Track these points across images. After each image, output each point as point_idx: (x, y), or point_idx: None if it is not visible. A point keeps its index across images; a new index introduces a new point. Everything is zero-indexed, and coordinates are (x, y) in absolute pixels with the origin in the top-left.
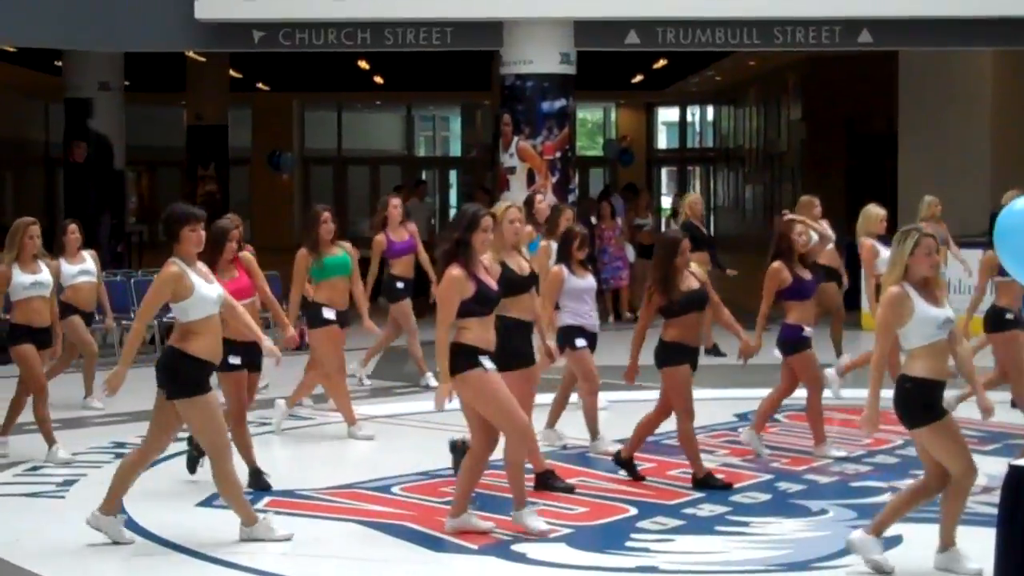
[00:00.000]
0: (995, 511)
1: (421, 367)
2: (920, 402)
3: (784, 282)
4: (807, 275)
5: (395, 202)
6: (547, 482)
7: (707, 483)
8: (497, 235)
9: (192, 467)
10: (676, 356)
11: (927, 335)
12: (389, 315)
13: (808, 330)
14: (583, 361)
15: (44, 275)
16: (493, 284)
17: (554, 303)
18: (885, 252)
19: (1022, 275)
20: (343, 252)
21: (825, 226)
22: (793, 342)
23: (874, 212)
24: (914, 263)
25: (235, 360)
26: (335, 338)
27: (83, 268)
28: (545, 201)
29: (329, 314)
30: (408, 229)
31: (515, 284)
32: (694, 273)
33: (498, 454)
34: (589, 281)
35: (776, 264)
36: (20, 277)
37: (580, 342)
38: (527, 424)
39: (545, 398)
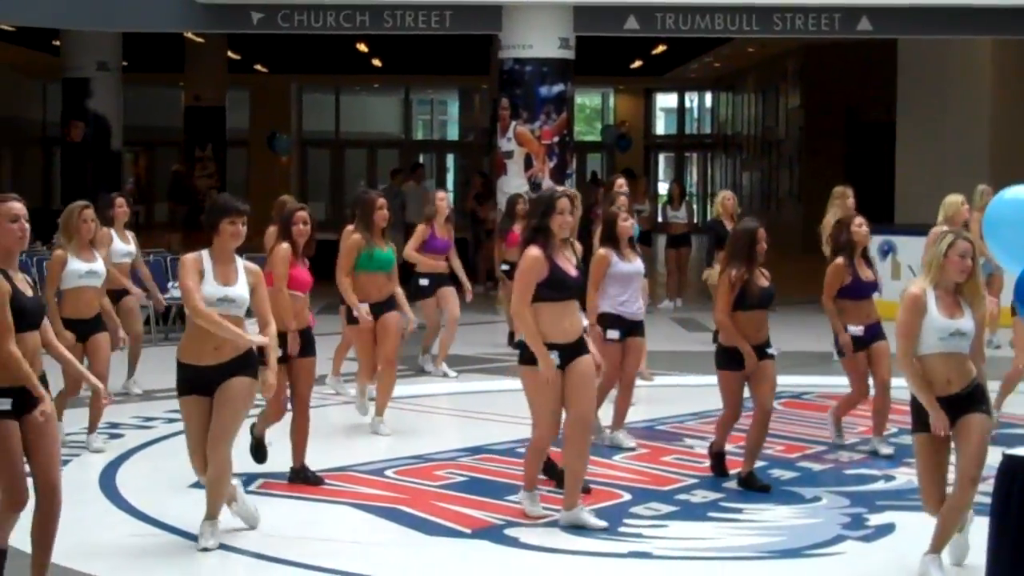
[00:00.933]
0: (989, 500)
1: (426, 348)
2: (914, 409)
3: (844, 281)
4: (867, 274)
5: (441, 195)
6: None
7: (718, 460)
8: None
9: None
10: (731, 362)
11: (930, 344)
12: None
13: (854, 329)
14: (608, 355)
15: (98, 264)
16: (572, 271)
17: (597, 288)
18: None
19: (1011, 265)
20: (389, 248)
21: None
22: (837, 343)
23: (952, 200)
24: (946, 265)
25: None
26: (365, 336)
27: (129, 250)
28: (626, 186)
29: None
30: (449, 228)
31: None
32: (762, 271)
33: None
34: (637, 265)
35: (838, 261)
36: (74, 264)
37: (612, 334)
38: (554, 434)
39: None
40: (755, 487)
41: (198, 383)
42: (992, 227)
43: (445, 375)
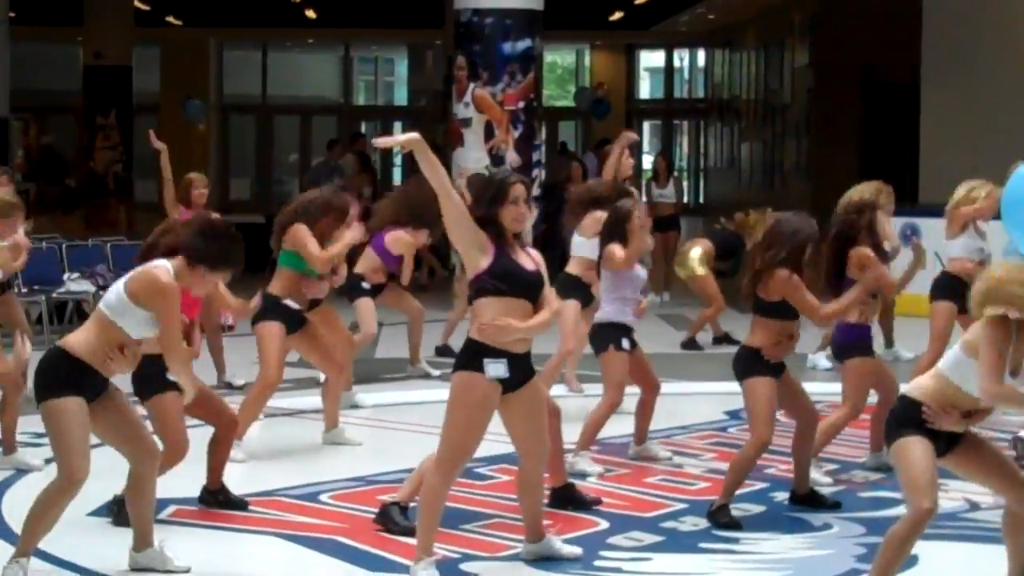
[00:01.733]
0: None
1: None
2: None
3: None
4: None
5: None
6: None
7: (715, 515)
8: None
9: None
10: (762, 365)
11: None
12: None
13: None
14: (616, 366)
15: None
16: (528, 264)
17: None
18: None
19: None
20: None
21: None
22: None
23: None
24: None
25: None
26: (277, 339)
27: None
28: (630, 159)
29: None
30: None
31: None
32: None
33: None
34: (641, 270)
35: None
36: None
37: (626, 343)
38: (462, 461)
39: None
40: (826, 505)
41: (88, 387)
42: (1011, 207)
43: (427, 374)
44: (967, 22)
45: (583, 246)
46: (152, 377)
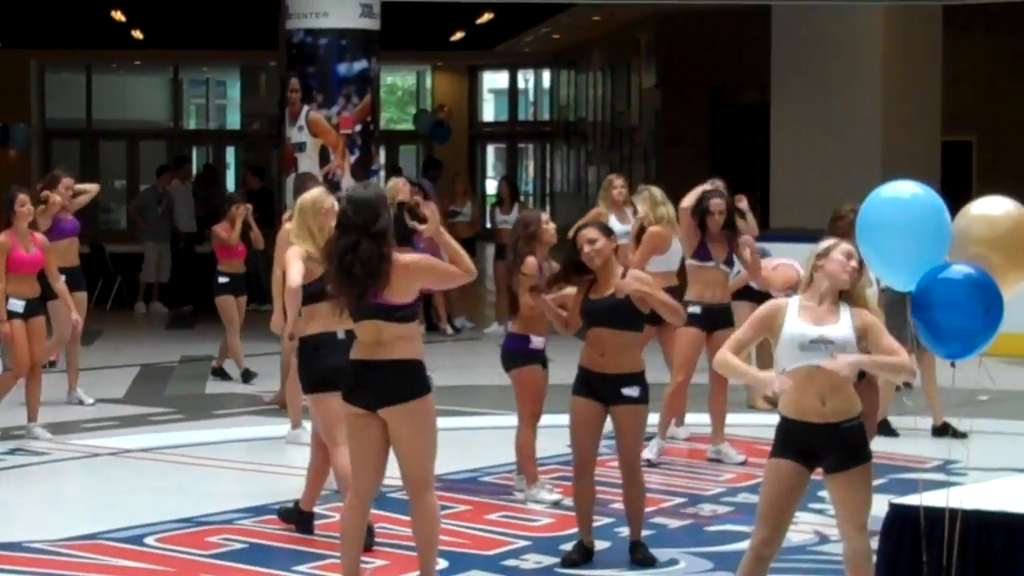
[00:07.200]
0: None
1: None
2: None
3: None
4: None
5: (67, 182)
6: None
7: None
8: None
9: None
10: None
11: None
12: None
13: (537, 341)
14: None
15: None
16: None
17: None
18: None
19: (895, 279)
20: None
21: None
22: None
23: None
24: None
25: None
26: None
27: None
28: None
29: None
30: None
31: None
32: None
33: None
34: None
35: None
36: None
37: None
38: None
39: None
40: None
41: None
42: (868, 231)
43: (80, 402)
44: (816, 44)
45: None
46: None
